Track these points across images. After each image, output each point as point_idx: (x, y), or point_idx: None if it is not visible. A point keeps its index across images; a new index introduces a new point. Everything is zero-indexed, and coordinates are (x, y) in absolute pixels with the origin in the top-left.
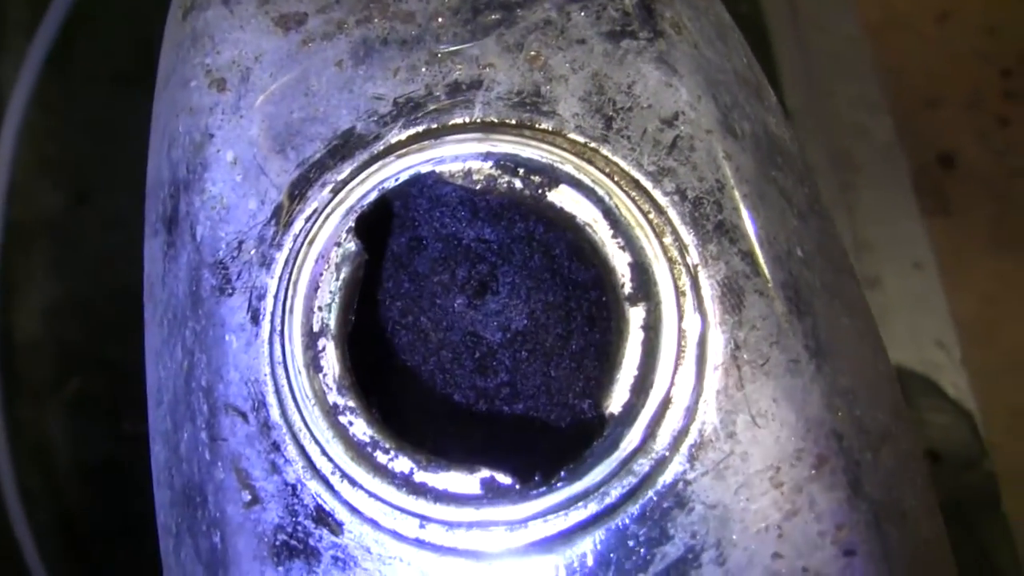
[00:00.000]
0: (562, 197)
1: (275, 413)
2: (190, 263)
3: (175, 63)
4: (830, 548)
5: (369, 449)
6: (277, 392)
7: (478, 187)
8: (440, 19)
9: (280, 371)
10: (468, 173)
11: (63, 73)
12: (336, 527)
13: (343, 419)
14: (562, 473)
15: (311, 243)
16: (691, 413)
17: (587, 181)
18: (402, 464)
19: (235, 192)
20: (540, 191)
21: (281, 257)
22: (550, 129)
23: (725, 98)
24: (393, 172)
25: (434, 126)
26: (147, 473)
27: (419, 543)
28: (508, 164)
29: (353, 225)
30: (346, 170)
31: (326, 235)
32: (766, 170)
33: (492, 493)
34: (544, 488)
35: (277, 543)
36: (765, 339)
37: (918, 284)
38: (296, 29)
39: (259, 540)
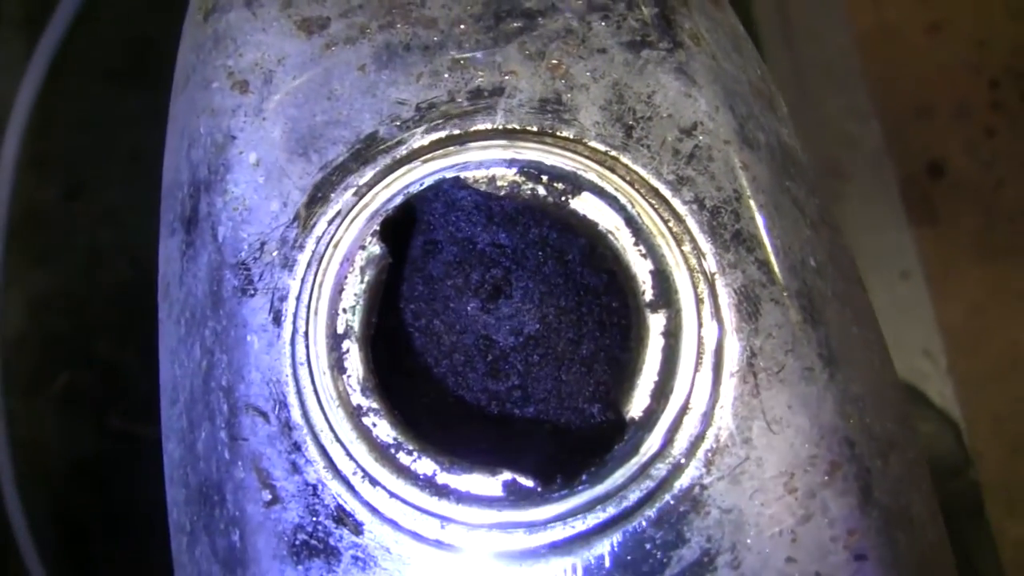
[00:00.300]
0: (585, 205)
1: (296, 413)
2: (211, 263)
3: (195, 64)
4: (842, 553)
5: (392, 450)
6: (299, 393)
7: (502, 193)
8: (462, 26)
9: (303, 372)
10: (492, 179)
11: (56, 69)
12: (356, 527)
13: (367, 420)
14: (583, 476)
15: (335, 246)
16: (708, 419)
17: (610, 189)
18: (425, 466)
19: (257, 194)
20: (563, 198)
21: (303, 259)
22: (571, 137)
23: (742, 109)
24: (418, 177)
25: (457, 132)
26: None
27: (439, 544)
28: (532, 171)
29: (378, 228)
30: (369, 174)
31: (351, 238)
32: (780, 180)
33: (514, 495)
34: (565, 491)
35: (297, 542)
36: (781, 347)
37: (905, 293)
38: (319, 33)
39: (279, 539)
